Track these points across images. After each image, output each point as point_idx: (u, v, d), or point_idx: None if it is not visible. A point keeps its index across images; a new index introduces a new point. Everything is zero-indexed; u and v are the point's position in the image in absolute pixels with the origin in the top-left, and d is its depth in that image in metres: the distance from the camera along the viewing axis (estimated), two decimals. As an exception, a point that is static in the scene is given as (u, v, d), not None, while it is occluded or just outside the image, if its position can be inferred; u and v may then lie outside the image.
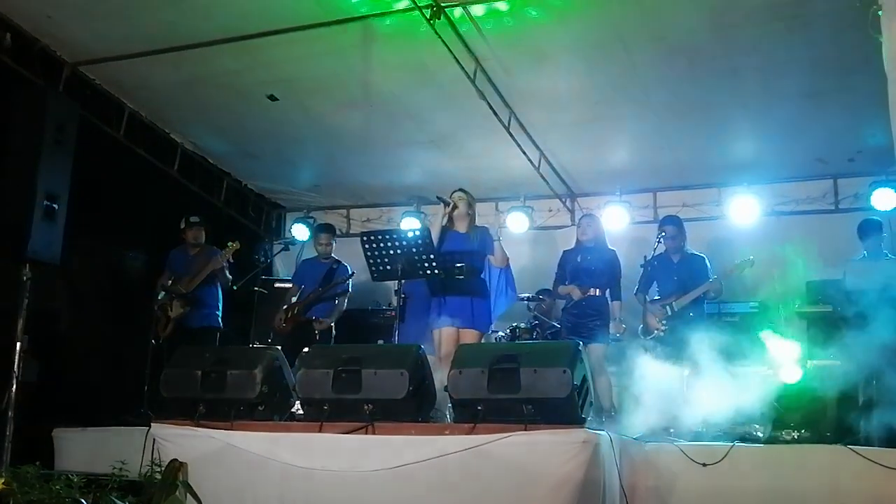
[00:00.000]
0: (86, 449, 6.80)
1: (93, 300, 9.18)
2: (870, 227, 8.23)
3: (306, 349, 6.29)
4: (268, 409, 6.14)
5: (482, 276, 7.56)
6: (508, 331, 9.23)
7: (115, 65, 8.55)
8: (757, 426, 7.30)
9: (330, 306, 9.24)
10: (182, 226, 9.17)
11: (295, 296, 9.37)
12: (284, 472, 5.44)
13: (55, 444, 7.06)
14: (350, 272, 9.23)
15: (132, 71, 8.66)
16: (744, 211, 10.07)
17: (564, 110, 9.02)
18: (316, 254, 9.62)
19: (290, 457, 5.47)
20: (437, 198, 7.71)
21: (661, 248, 8.27)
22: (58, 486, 5.05)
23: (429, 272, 7.06)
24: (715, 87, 8.29)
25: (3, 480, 4.92)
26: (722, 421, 6.98)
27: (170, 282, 8.88)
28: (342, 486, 5.29)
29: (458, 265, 7.35)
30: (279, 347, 8.55)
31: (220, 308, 9.13)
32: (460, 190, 7.75)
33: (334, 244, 9.54)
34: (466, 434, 5.26)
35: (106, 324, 9.04)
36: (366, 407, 5.65)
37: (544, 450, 5.04)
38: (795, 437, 6.16)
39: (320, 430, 5.61)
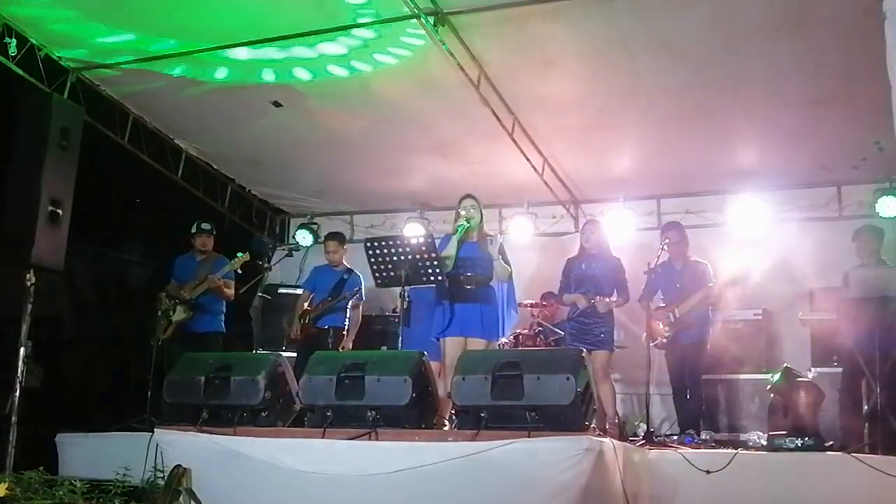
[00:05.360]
0: (89, 454, 6.80)
1: (96, 306, 9.22)
2: (869, 234, 8.19)
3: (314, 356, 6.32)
4: (271, 415, 6.16)
5: (491, 283, 7.51)
6: (512, 338, 9.22)
7: (120, 71, 8.58)
8: (759, 433, 7.30)
9: (342, 317, 9.22)
10: (193, 230, 9.18)
11: (307, 301, 9.35)
12: (288, 477, 5.44)
13: (59, 450, 7.06)
14: (360, 285, 9.21)
15: (136, 77, 8.68)
16: (747, 218, 10.05)
17: (568, 116, 9.02)
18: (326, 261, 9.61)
19: (293, 462, 5.47)
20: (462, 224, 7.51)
21: (665, 256, 8.25)
22: (61, 492, 5.06)
23: (433, 279, 7.04)
24: (719, 93, 8.29)
25: (6, 486, 4.92)
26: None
27: (181, 291, 8.87)
28: (345, 491, 5.28)
29: (468, 274, 7.34)
30: (295, 355, 8.65)
31: (224, 312, 9.13)
32: (469, 196, 7.65)
33: (344, 252, 9.53)
34: (469, 440, 5.26)
35: (109, 329, 9.06)
36: (369, 413, 5.67)
37: (547, 457, 5.03)
38: (799, 444, 6.14)
39: (323, 437, 5.62)
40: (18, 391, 6.46)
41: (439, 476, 5.16)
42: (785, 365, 7.22)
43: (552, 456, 5.03)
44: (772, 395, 7.08)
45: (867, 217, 9.27)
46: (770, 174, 9.77)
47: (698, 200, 10.59)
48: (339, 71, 8.32)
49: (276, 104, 9.00)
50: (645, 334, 7.99)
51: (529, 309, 9.60)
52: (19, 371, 6.45)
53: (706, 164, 9.88)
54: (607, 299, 8.15)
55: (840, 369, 7.79)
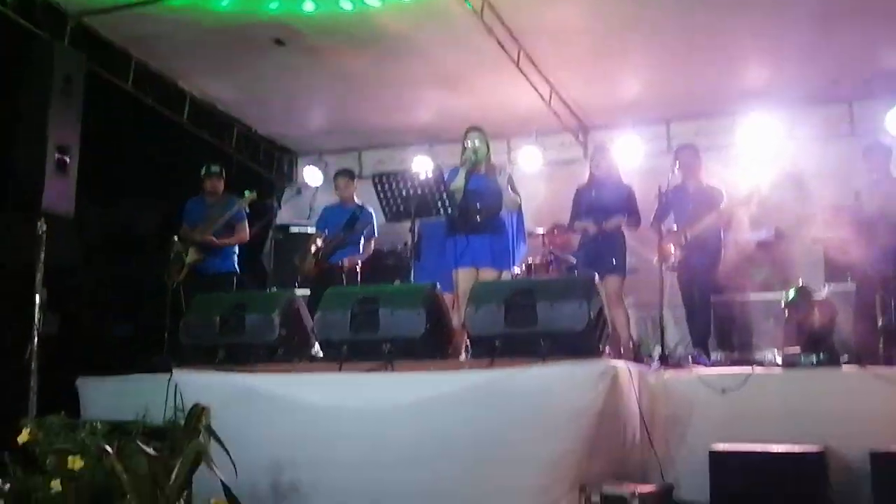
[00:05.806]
0: (110, 397, 6.85)
1: (108, 251, 9.24)
2: (878, 151, 8.10)
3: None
4: (287, 352, 6.18)
5: (500, 214, 7.49)
6: (524, 267, 9.21)
7: (120, 15, 8.47)
8: (774, 351, 7.31)
9: (355, 251, 9.22)
10: (202, 173, 9.16)
11: (320, 240, 9.34)
12: (305, 412, 5.49)
13: (80, 393, 7.12)
14: (372, 220, 9.19)
15: (137, 20, 8.58)
16: (758, 138, 9.97)
17: (574, 44, 8.92)
18: (337, 199, 9.59)
19: (310, 397, 5.52)
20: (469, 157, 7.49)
21: (678, 179, 8.20)
22: (82, 435, 5.10)
23: (442, 211, 7.02)
24: (725, 12, 8.16)
25: (29, 430, 4.96)
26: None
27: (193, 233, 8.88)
28: (363, 423, 5.33)
29: (477, 206, 7.32)
30: (308, 292, 8.66)
31: (236, 252, 9.14)
32: (475, 128, 7.60)
33: (354, 188, 9.50)
34: (485, 369, 5.29)
35: (122, 274, 9.10)
36: (384, 346, 5.68)
37: (563, 382, 5.06)
38: (814, 361, 6.15)
39: (340, 371, 5.66)
40: (36, 339, 6.53)
41: (456, 405, 5.21)
42: (799, 282, 7.22)
43: (568, 381, 5.06)
44: (786, 313, 7.09)
45: (879, 134, 9.18)
46: (780, 92, 9.66)
47: (708, 123, 10.49)
48: (339, 5, 8.23)
49: (279, 42, 8.92)
50: (657, 257, 7.96)
51: (541, 238, 9.58)
52: (36, 319, 6.51)
53: (715, 86, 9.77)
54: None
55: (853, 285, 7.78)
